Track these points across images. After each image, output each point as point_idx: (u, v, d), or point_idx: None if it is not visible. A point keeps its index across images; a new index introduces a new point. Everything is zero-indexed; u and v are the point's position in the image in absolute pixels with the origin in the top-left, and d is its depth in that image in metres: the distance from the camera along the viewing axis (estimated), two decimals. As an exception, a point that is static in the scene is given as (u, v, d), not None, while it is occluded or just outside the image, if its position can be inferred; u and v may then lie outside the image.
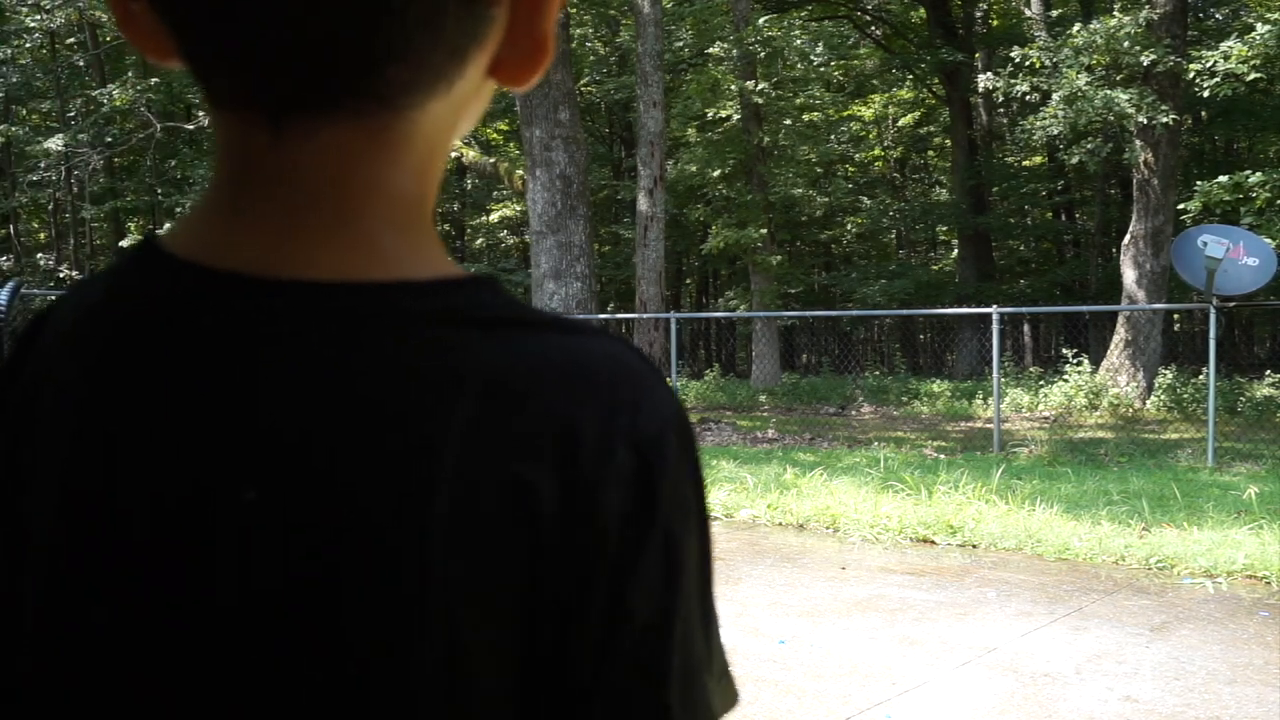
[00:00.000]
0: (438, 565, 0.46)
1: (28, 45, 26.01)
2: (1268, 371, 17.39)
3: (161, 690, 0.47)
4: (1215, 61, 13.52)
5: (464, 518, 0.46)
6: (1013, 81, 15.99)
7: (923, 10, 24.74)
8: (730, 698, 0.53)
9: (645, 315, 13.85)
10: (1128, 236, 16.25)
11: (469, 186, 29.60)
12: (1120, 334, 16.26)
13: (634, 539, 0.47)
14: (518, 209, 25.80)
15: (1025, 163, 26.14)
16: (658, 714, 0.48)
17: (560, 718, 0.47)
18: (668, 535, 0.48)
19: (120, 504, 0.48)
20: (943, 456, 10.43)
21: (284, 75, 0.46)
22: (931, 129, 29.06)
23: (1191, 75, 14.23)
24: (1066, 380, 16.33)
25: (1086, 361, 16.54)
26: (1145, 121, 14.38)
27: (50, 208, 28.30)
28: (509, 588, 0.46)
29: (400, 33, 0.46)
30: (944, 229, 27.95)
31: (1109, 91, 14.27)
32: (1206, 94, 14.33)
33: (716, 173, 20.82)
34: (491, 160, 17.37)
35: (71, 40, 25.68)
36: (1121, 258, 16.49)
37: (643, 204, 14.01)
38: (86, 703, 0.48)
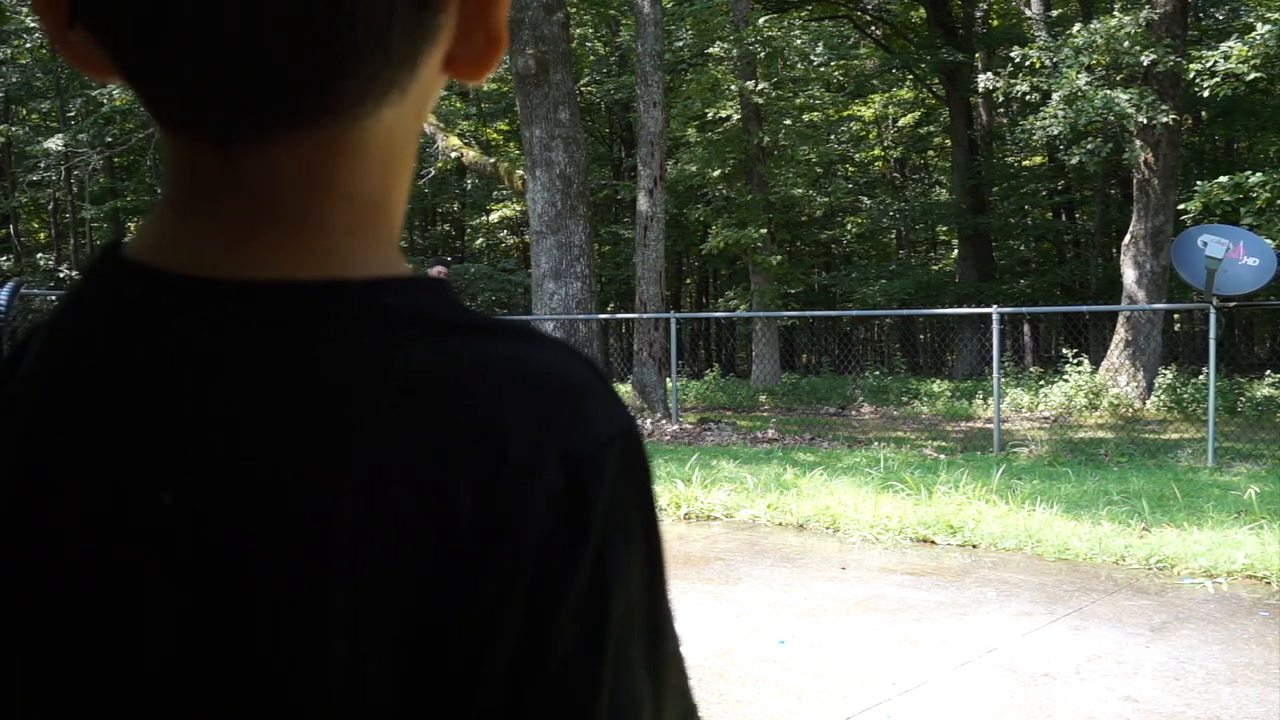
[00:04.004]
0: (343, 572, 0.43)
1: (28, 45, 26.02)
2: (1268, 371, 17.38)
3: (90, 697, 0.46)
4: (1215, 61, 13.53)
5: (373, 523, 0.43)
6: (1013, 81, 16.00)
7: (923, 10, 24.74)
8: None
9: (645, 315, 13.86)
10: (1128, 236, 16.25)
11: (469, 186, 29.61)
12: (1120, 334, 16.26)
13: (557, 561, 0.44)
14: (518, 209, 25.80)
15: (1025, 163, 26.13)
16: None
17: None
18: (599, 560, 0.44)
19: (51, 513, 0.47)
20: (943, 456, 10.43)
21: (230, 102, 0.46)
22: (931, 129, 29.06)
23: (1191, 75, 14.24)
24: (1066, 380, 16.33)
25: (1086, 361, 16.54)
26: (1145, 121, 14.37)
27: (50, 208, 28.32)
28: (415, 599, 0.43)
29: (348, 50, 0.45)
30: (944, 229, 27.96)
31: (1109, 91, 14.27)
32: (1206, 94, 14.34)
33: (716, 173, 20.82)
34: (491, 160, 17.37)
35: (71, 40, 25.67)
36: (1121, 258, 16.49)
37: (643, 204, 14.01)
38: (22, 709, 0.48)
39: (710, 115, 20.28)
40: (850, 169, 29.69)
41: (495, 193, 27.81)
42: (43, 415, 0.49)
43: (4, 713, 0.48)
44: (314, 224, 0.48)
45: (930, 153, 31.65)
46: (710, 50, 20.36)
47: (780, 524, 7.43)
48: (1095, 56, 14.88)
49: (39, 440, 0.49)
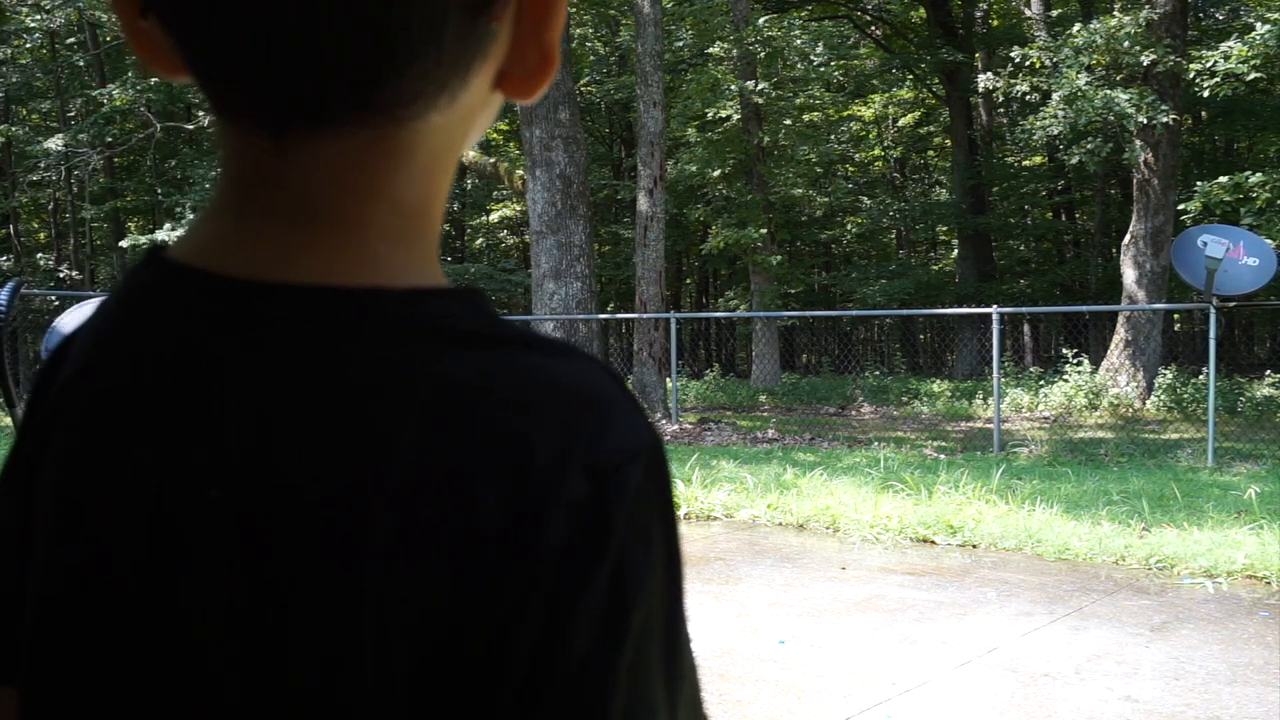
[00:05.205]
0: (375, 570, 0.45)
1: (28, 45, 26.02)
2: (1268, 371, 17.38)
3: (129, 689, 0.48)
4: (1215, 61, 13.53)
5: (403, 524, 0.45)
6: (1013, 81, 16.01)
7: (923, 10, 24.74)
8: None
9: (645, 315, 13.85)
10: (1128, 236, 16.26)
11: (469, 186, 29.62)
12: (1120, 334, 16.26)
13: (577, 569, 0.45)
14: (518, 209, 25.81)
15: (1025, 163, 26.13)
16: None
17: None
18: (619, 568, 0.45)
19: (101, 505, 0.49)
20: (943, 456, 10.43)
21: (287, 91, 0.47)
22: (931, 129, 29.06)
23: (1191, 75, 14.24)
24: (1066, 380, 16.33)
25: (1086, 361, 16.55)
26: (1145, 121, 14.37)
27: (50, 208, 28.30)
28: (439, 599, 0.45)
29: (403, 48, 0.46)
30: (944, 229, 27.96)
31: (1109, 91, 14.27)
32: (1206, 94, 14.35)
33: (716, 173, 20.82)
34: (491, 160, 17.37)
35: (71, 40, 25.68)
36: (1121, 258, 16.50)
37: (643, 204, 14.01)
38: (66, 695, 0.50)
39: (710, 115, 20.27)
40: (850, 169, 29.69)
41: (495, 193, 27.81)
42: (87, 417, 0.51)
43: (45, 697, 0.50)
44: (355, 226, 0.49)
45: (930, 153, 31.65)
46: (710, 50, 20.35)
47: (780, 524, 7.43)
48: (1095, 56, 14.88)
49: (84, 442, 0.50)
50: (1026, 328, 26.86)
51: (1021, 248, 26.94)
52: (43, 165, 24.86)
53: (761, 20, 19.24)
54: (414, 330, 0.48)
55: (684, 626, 0.50)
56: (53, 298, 20.64)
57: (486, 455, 0.45)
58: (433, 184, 0.51)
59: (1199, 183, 14.35)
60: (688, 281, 33.05)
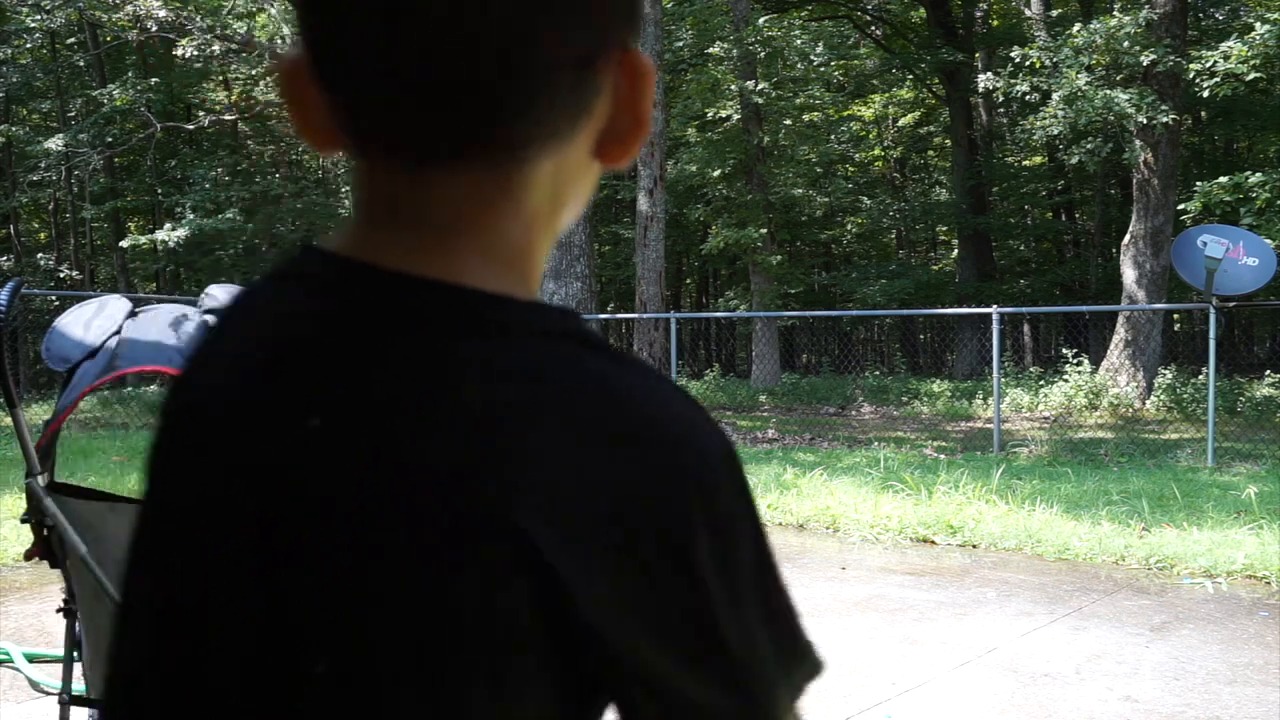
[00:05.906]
0: (557, 561, 0.51)
1: (28, 45, 26.01)
2: (1268, 371, 17.38)
3: (197, 665, 0.54)
4: (1215, 61, 13.52)
5: (561, 508, 0.51)
6: (1013, 81, 15.98)
7: (923, 10, 24.73)
8: (812, 668, 0.60)
9: (645, 315, 13.85)
10: (1128, 236, 16.25)
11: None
12: (1120, 334, 16.25)
13: (703, 538, 0.54)
14: (518, 209, 25.74)
15: (1025, 163, 26.12)
16: (726, 691, 0.55)
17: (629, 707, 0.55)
18: (724, 541, 0.55)
19: (205, 471, 0.56)
20: (943, 456, 10.42)
21: (427, 129, 0.54)
22: (931, 129, 29.04)
23: (1191, 75, 14.23)
24: (1066, 380, 16.33)
25: (1086, 361, 16.54)
26: (1145, 121, 14.37)
27: (50, 208, 28.30)
28: (614, 591, 0.52)
29: (524, 91, 0.53)
30: (944, 229, 27.94)
31: (1109, 91, 14.27)
32: (1206, 94, 14.33)
33: (716, 173, 20.81)
34: (491, 160, 17.37)
35: (71, 40, 25.65)
36: (1121, 258, 16.49)
37: (643, 204, 14.01)
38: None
39: (710, 115, 20.26)
40: (850, 169, 29.66)
41: (495, 193, 27.73)
42: (189, 399, 0.60)
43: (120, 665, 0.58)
44: (475, 252, 0.56)
45: (930, 153, 31.63)
46: (710, 50, 20.34)
47: (780, 524, 7.43)
48: (1095, 56, 14.88)
49: (176, 428, 0.60)
50: (1026, 328, 26.86)
51: (1021, 248, 26.93)
52: (43, 165, 24.86)
53: (761, 20, 19.24)
54: (546, 333, 0.55)
55: (774, 574, 0.58)
56: (53, 298, 20.64)
57: (642, 459, 0.53)
58: (534, 231, 0.59)
59: (1199, 183, 14.34)
60: (688, 281, 33.04)
